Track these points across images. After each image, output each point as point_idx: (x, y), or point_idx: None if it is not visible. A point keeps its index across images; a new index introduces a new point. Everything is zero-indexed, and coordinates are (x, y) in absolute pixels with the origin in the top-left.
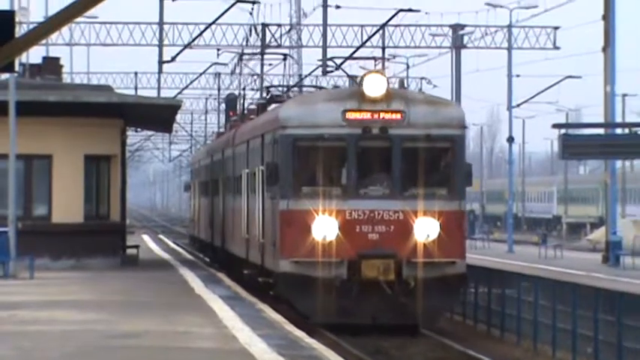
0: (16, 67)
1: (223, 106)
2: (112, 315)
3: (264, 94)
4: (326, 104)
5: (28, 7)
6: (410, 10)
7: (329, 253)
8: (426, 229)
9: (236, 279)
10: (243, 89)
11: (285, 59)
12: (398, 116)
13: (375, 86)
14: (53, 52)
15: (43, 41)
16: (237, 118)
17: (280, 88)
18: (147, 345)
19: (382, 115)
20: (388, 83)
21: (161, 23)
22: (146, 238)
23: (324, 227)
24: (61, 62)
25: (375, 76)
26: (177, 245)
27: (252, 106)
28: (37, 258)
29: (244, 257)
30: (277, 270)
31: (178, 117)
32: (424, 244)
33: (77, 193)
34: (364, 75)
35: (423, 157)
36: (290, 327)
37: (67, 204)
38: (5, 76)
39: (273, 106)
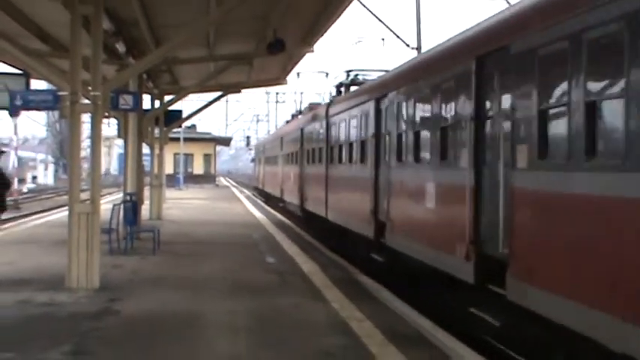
0: (182, 126)
1: (246, 139)
2: (211, 201)
3: (345, 77)
4: None
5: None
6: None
7: None
8: None
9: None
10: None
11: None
12: None
13: None
14: (194, 122)
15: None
16: (300, 111)
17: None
18: (222, 211)
19: None
20: None
21: (227, 115)
22: (222, 179)
23: None
24: (196, 125)
25: None
26: (232, 181)
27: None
28: (189, 184)
29: (323, 215)
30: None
31: (232, 143)
32: None
33: (200, 165)
34: None
35: None
36: (269, 208)
37: (197, 168)
38: (178, 129)
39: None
